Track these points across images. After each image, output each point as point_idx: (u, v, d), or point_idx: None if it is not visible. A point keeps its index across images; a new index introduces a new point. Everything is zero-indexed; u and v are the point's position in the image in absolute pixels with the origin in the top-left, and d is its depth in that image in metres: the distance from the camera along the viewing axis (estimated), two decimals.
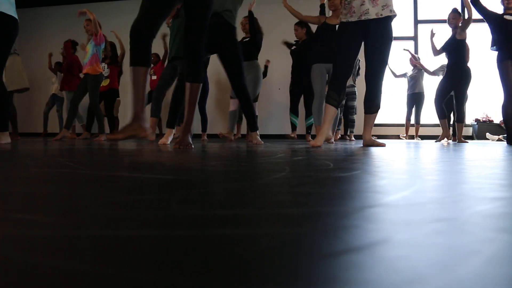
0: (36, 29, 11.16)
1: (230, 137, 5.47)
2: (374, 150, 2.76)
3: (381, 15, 3.38)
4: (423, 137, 8.14)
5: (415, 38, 8.91)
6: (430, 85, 7.53)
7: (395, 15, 3.43)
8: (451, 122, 6.79)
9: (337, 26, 4.63)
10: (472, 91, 6.23)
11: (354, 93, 6.85)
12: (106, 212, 0.54)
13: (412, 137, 8.04)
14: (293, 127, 6.30)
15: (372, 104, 3.56)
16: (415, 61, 7.68)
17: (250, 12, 5.31)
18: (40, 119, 10.77)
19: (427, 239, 0.41)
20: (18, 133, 5.87)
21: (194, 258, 0.34)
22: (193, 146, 2.79)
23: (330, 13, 4.95)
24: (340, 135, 7.34)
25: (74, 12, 10.50)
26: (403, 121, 8.01)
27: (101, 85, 6.60)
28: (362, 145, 3.59)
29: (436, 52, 5.73)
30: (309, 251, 0.36)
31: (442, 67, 6.84)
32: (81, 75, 5.85)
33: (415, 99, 7.78)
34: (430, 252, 0.36)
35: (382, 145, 3.48)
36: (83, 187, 0.80)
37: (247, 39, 5.67)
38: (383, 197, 0.69)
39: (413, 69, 7.86)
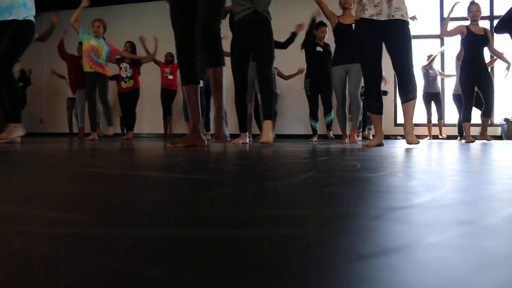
0: (58, 32, 11.33)
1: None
2: (399, 149, 2.73)
3: (393, 16, 3.32)
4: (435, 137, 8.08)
5: (441, 36, 8.78)
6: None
7: (406, 21, 3.37)
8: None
9: (353, 25, 4.61)
10: (503, 89, 6.12)
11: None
12: (139, 211, 0.55)
13: (435, 137, 7.95)
14: (314, 131, 6.25)
15: (406, 90, 3.40)
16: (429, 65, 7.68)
17: (294, 34, 5.48)
18: (63, 119, 10.99)
19: (462, 241, 0.40)
20: None
21: (229, 258, 0.34)
22: (229, 139, 2.83)
23: (341, 11, 4.90)
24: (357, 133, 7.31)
25: (93, 15, 10.66)
26: (422, 121, 7.98)
27: (126, 86, 6.72)
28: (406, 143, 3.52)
29: (447, 33, 5.46)
30: (343, 252, 0.36)
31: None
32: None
33: (432, 98, 7.75)
34: (467, 254, 0.36)
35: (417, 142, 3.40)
36: (113, 186, 0.81)
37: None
38: (413, 198, 0.69)
39: (430, 68, 7.81)
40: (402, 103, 3.47)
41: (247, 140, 4.14)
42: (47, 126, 11.61)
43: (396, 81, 3.54)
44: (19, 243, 0.39)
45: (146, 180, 0.92)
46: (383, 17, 3.33)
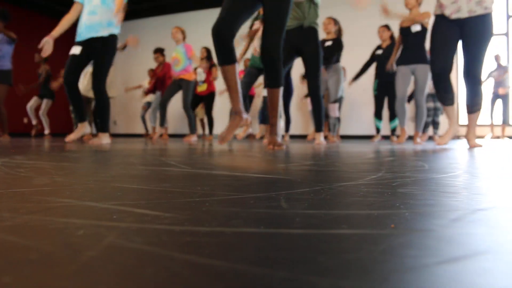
0: (125, 38, 11.85)
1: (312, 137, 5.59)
2: (464, 150, 2.64)
3: (475, 12, 3.14)
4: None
5: (507, 34, 8.37)
6: None
7: (490, 12, 3.15)
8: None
9: (410, 27, 4.58)
10: None
11: (433, 95, 6.62)
12: (221, 209, 0.57)
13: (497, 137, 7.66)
14: (377, 131, 6.21)
15: (472, 103, 3.32)
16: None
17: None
18: (136, 121, 11.62)
19: None
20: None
21: (318, 258, 0.35)
22: (284, 147, 2.82)
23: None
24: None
25: (163, 23, 11.01)
26: (485, 122, 7.68)
27: (201, 89, 6.90)
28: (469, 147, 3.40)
29: None
30: (432, 254, 0.36)
31: None
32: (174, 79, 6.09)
33: (498, 99, 7.48)
34: None
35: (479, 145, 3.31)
36: (191, 184, 0.84)
37: (330, 43, 5.69)
38: (490, 199, 0.67)
39: (497, 69, 7.51)
40: (468, 113, 3.39)
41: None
42: (120, 127, 12.22)
43: (464, 89, 3.40)
44: (113, 237, 0.41)
45: (221, 179, 0.94)
46: (462, 14, 3.18)
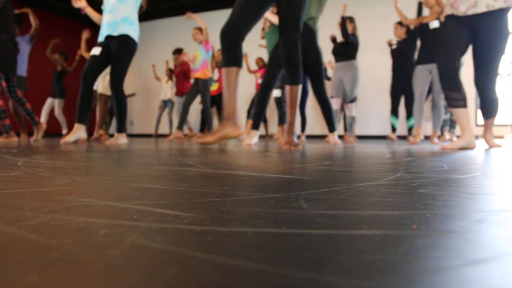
0: (149, 41, 12.05)
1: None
2: (482, 151, 2.61)
3: (493, 6, 2.93)
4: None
5: None
6: None
7: (510, 7, 2.94)
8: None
9: (429, 24, 4.57)
10: None
11: None
12: (241, 209, 0.57)
13: None
14: (393, 129, 6.12)
15: (488, 109, 3.14)
16: None
17: (343, 18, 5.41)
18: (151, 121, 11.76)
19: None
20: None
21: (341, 259, 0.35)
22: (300, 147, 2.81)
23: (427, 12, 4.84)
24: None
25: (180, 24, 11.11)
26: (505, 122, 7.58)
27: (212, 89, 6.95)
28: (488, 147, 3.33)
29: None
30: (457, 255, 0.35)
31: None
32: (192, 80, 6.15)
33: None
34: None
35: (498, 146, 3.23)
36: (210, 184, 0.84)
37: (341, 40, 5.69)
38: None
39: None
40: (484, 119, 3.24)
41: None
42: (136, 127, 12.37)
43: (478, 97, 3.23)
44: (135, 237, 0.42)
45: (239, 179, 0.95)
46: (480, 9, 2.98)
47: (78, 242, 0.39)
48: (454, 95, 3.06)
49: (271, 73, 4.01)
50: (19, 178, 0.95)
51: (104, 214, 0.53)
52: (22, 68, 6.32)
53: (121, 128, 4.08)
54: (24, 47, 6.29)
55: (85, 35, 6.47)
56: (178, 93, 7.70)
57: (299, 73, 2.82)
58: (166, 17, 11.81)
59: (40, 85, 10.25)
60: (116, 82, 3.91)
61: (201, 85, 5.91)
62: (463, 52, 3.13)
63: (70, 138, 3.83)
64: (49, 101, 8.00)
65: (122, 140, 4.03)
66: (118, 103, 3.96)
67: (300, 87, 2.85)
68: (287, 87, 2.85)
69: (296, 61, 2.78)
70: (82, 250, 0.37)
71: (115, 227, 0.46)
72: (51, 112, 9.36)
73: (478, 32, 3.04)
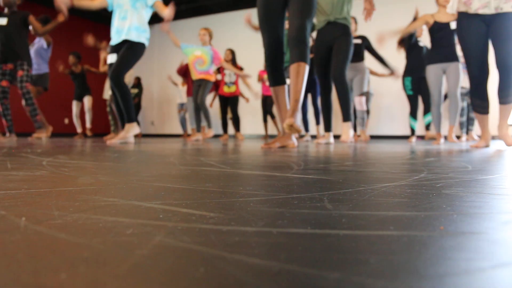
0: (162, 43, 12.20)
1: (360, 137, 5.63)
2: (505, 151, 2.56)
3: (501, 9, 3.06)
4: None
5: None
6: None
7: None
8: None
9: (450, 23, 4.49)
10: None
11: (465, 93, 6.48)
12: (265, 209, 0.57)
13: None
14: (412, 132, 5.96)
15: (506, 92, 3.13)
16: None
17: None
18: (171, 121, 11.91)
19: None
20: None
21: (368, 259, 0.35)
22: (296, 144, 2.95)
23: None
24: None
25: (202, 24, 11.20)
26: None
27: (229, 91, 7.05)
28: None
29: None
30: (486, 257, 0.35)
31: None
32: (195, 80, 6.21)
33: None
34: None
35: None
36: (233, 184, 0.84)
37: (356, 42, 5.68)
38: None
39: None
40: (500, 103, 3.21)
41: (331, 140, 4.18)
42: (157, 128, 12.52)
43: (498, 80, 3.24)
44: (162, 236, 0.42)
45: (262, 179, 0.95)
46: (489, 10, 3.10)
47: (106, 241, 0.40)
48: (482, 103, 3.27)
49: (321, 74, 4.24)
50: (44, 178, 0.96)
51: (130, 213, 0.54)
52: (42, 66, 6.44)
53: (130, 118, 3.96)
54: (44, 47, 6.44)
55: (103, 50, 6.66)
56: (190, 94, 7.75)
57: (307, 53, 2.81)
58: (187, 17, 11.88)
59: (59, 86, 10.43)
60: (118, 73, 3.83)
61: (204, 84, 6.05)
62: (488, 50, 3.23)
63: (126, 136, 3.92)
64: (75, 106, 8.10)
65: (132, 130, 3.94)
66: (121, 95, 3.87)
67: (307, 68, 2.81)
68: (295, 65, 2.79)
69: (305, 42, 2.80)
70: (110, 249, 0.37)
71: (141, 226, 0.46)
72: (82, 114, 9.56)
73: (491, 30, 3.16)
